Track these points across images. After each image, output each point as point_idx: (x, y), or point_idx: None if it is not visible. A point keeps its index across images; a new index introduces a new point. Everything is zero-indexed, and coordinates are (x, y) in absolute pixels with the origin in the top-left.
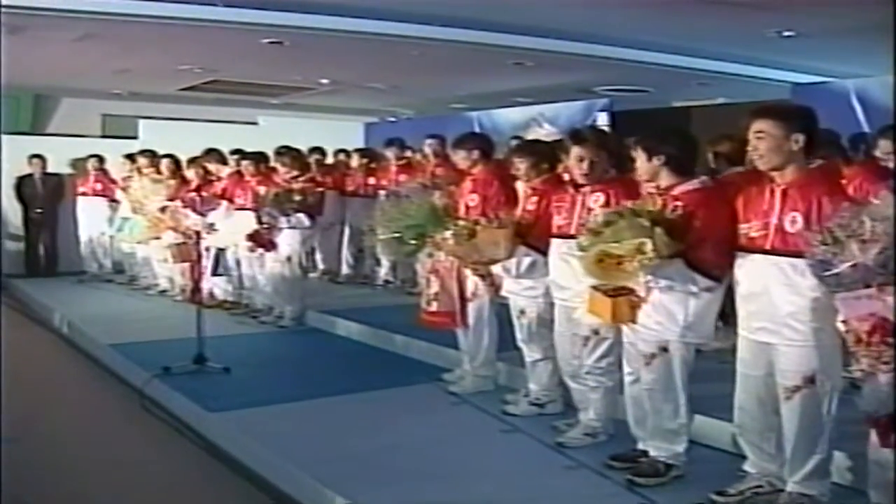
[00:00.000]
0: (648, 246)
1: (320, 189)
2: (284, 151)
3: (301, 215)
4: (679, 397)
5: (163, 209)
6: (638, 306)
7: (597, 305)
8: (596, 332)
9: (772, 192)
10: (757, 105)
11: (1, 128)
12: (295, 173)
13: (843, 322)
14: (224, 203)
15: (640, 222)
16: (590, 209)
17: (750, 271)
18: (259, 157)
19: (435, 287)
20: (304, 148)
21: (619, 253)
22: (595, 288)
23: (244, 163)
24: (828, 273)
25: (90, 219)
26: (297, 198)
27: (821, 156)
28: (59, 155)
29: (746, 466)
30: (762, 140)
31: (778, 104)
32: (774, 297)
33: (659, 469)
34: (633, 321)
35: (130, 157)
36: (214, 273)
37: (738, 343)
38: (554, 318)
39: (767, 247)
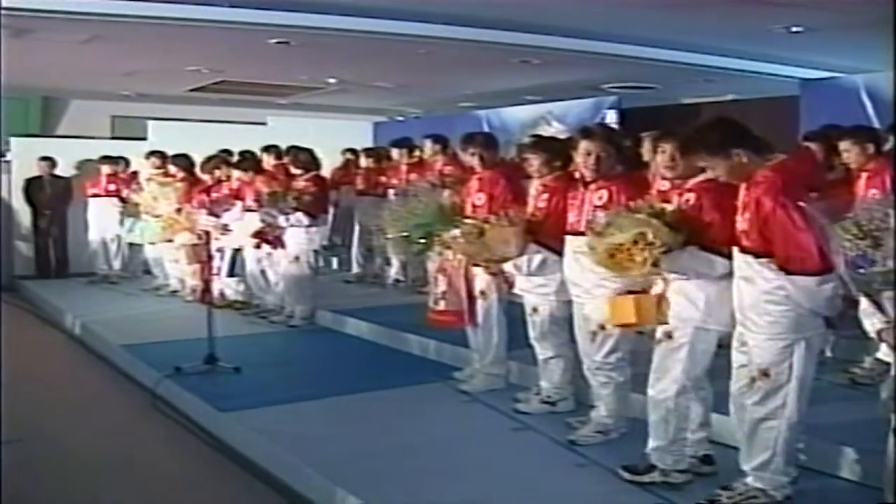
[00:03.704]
0: (649, 233)
1: (323, 188)
2: (292, 151)
3: (299, 214)
4: (669, 387)
5: (178, 210)
6: (662, 303)
7: (619, 309)
8: (602, 328)
9: None
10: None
11: (2, 129)
12: (300, 172)
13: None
14: (239, 203)
15: (637, 217)
16: (594, 206)
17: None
18: (245, 162)
19: (442, 286)
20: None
21: (622, 241)
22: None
23: (237, 172)
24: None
25: (101, 220)
26: (292, 196)
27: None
28: (68, 157)
29: None
30: None
31: None
32: (741, 289)
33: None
34: (664, 321)
35: (148, 157)
36: (231, 274)
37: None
38: (566, 316)
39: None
